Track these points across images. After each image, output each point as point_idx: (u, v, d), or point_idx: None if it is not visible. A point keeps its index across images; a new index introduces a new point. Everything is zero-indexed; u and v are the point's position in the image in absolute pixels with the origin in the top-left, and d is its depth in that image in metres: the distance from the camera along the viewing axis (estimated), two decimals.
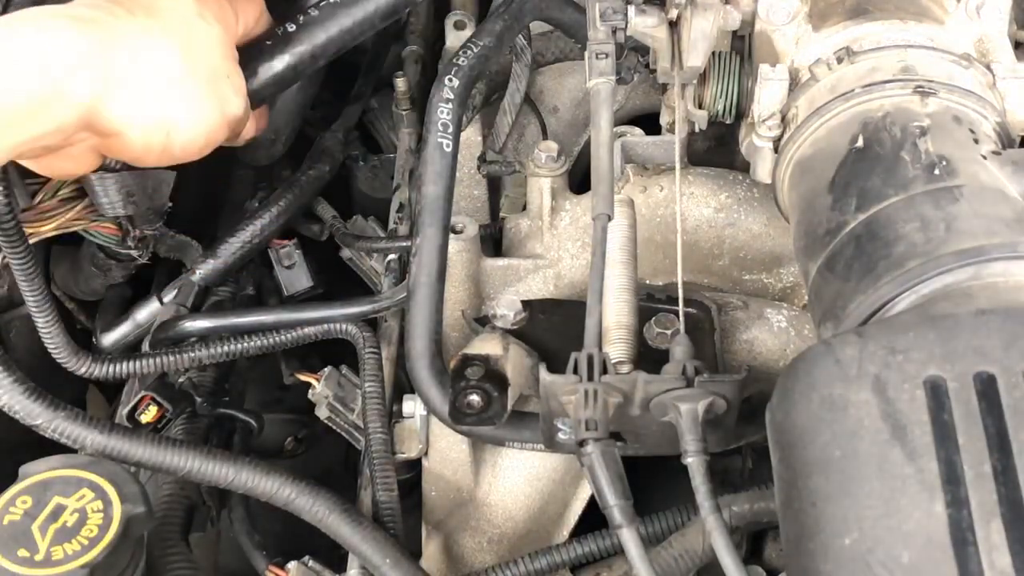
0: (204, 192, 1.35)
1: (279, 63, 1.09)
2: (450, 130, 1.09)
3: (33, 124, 0.91)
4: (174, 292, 1.21)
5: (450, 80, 1.12)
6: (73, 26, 0.93)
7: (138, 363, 1.12)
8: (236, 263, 1.25)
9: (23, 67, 0.90)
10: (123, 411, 1.15)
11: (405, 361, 1.04)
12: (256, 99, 1.09)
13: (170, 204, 1.18)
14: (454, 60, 1.14)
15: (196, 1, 1.02)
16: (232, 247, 1.24)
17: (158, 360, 1.13)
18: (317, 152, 1.35)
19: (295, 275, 1.31)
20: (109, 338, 1.23)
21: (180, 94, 0.98)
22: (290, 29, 1.10)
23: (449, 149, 1.08)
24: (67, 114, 0.92)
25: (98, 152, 1.00)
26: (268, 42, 1.09)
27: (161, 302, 1.21)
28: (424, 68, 1.44)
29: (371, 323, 1.18)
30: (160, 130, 0.98)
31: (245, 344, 1.15)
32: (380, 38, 1.44)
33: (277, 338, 1.16)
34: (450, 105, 1.11)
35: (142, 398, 1.14)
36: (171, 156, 1.01)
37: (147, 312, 1.22)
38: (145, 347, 1.19)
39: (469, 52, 1.15)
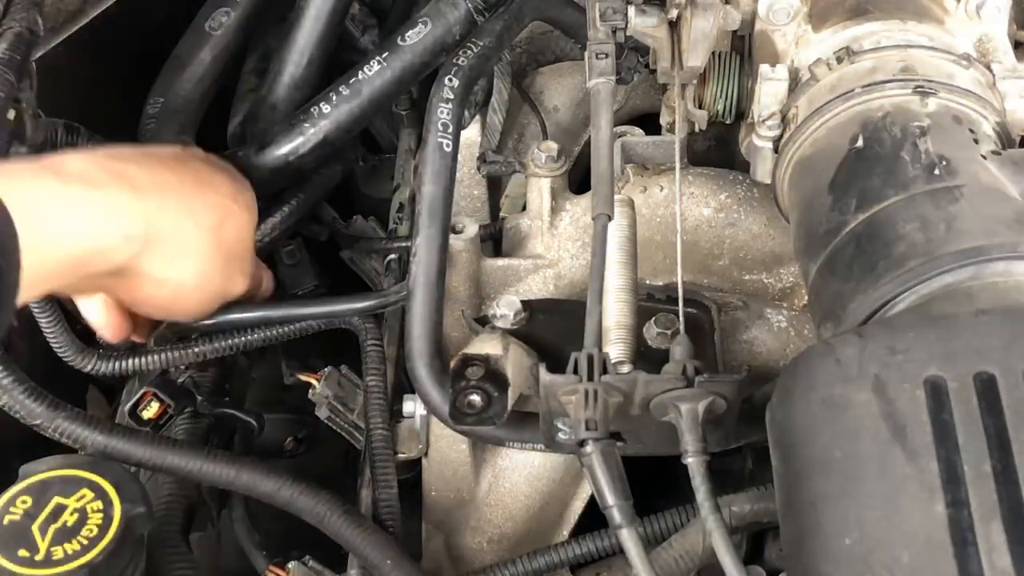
0: None
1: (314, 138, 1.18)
2: (450, 130, 1.09)
3: (67, 276, 0.95)
4: None
5: (450, 80, 1.12)
6: (134, 197, 0.98)
7: (142, 359, 1.12)
8: None
9: (81, 230, 0.93)
10: (125, 408, 1.15)
11: (405, 361, 1.04)
12: (293, 169, 1.19)
13: None
14: (454, 60, 1.14)
15: (235, 185, 1.10)
16: None
17: (161, 356, 1.12)
18: None
19: (299, 273, 1.31)
20: None
21: (200, 264, 1.04)
22: (325, 110, 1.18)
23: (449, 149, 1.09)
24: (99, 270, 0.96)
25: (102, 288, 1.03)
26: (306, 123, 1.18)
27: None
28: None
29: (374, 317, 1.17)
30: (169, 287, 1.03)
31: (248, 337, 1.15)
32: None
33: (280, 330, 1.15)
34: (450, 105, 1.11)
35: (144, 394, 1.14)
36: (166, 314, 1.08)
37: None
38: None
39: (469, 52, 1.15)
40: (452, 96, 1.11)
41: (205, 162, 1.11)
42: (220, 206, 1.06)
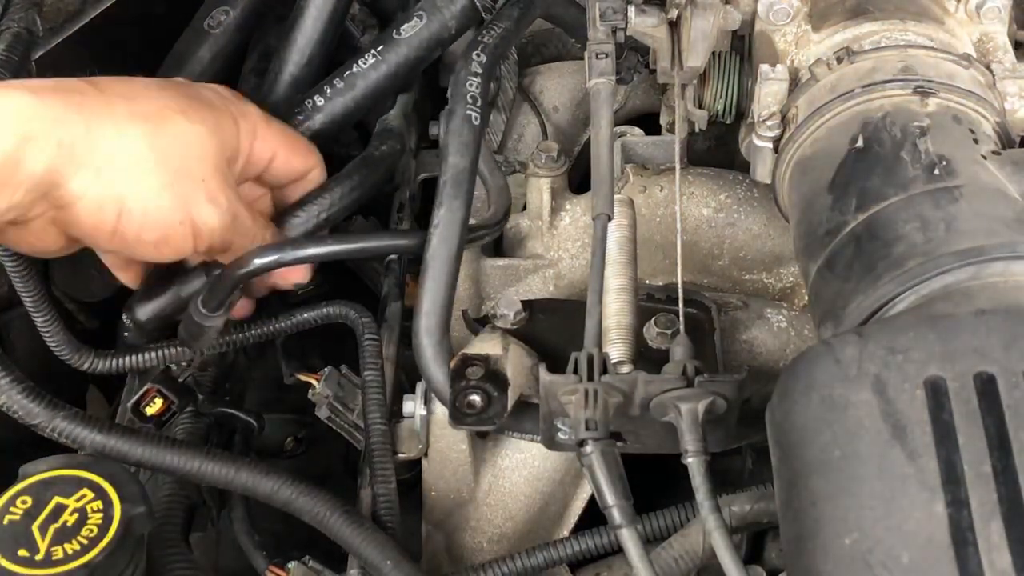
0: None
1: (307, 131, 1.17)
2: (478, 103, 1.09)
3: None
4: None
5: (477, 55, 1.12)
6: (31, 97, 0.91)
7: (140, 356, 1.12)
8: None
9: None
10: (127, 404, 1.15)
11: (412, 338, 1.01)
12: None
13: None
14: (478, 38, 1.14)
15: (186, 101, 1.00)
16: (300, 223, 1.12)
17: (159, 353, 1.12)
18: (382, 132, 1.27)
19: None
20: (144, 311, 1.13)
21: (136, 177, 0.96)
22: (319, 103, 1.17)
23: (477, 122, 1.08)
24: (20, 185, 0.91)
25: (58, 227, 0.98)
26: (299, 116, 1.17)
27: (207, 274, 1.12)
28: (423, 70, 1.44)
29: (371, 310, 1.17)
30: (110, 209, 0.95)
31: (245, 333, 1.15)
32: None
33: (276, 325, 1.15)
34: (478, 79, 1.10)
35: (147, 390, 1.14)
36: (124, 241, 0.98)
37: (196, 284, 1.13)
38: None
39: (493, 32, 1.15)
40: (480, 70, 1.10)
41: (172, 88, 1.02)
42: (155, 114, 0.97)
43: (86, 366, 1.11)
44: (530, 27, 1.33)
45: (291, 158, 1.11)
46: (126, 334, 1.15)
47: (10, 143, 0.90)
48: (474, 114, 1.07)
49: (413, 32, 1.18)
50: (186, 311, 1.08)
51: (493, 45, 1.13)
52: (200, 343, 1.11)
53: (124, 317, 1.14)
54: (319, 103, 1.17)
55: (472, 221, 1.10)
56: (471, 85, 1.09)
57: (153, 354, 1.12)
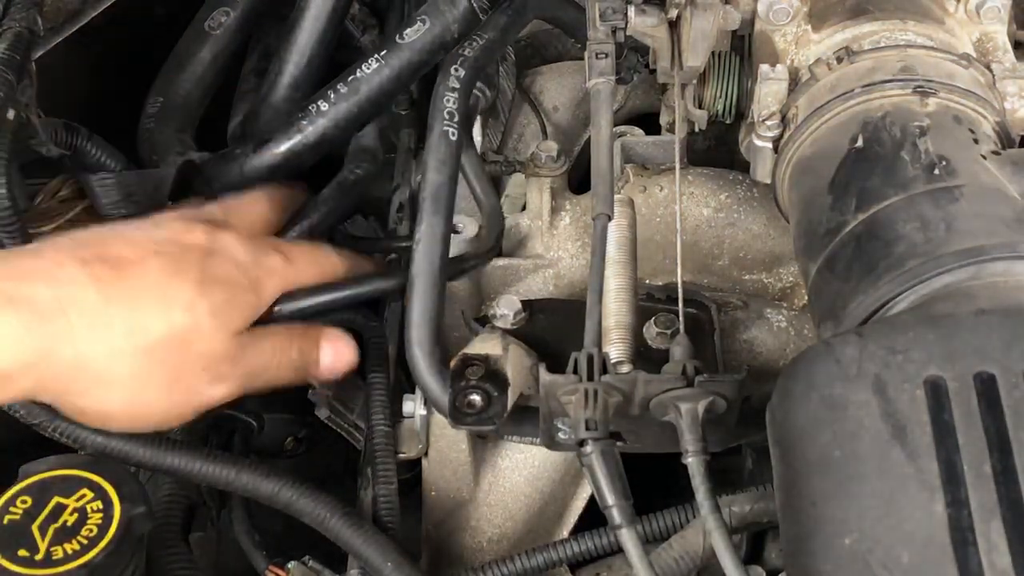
0: None
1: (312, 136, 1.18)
2: (455, 119, 1.09)
3: None
4: None
5: (456, 70, 1.12)
6: (30, 323, 0.89)
7: None
8: None
9: None
10: None
11: (404, 350, 1.02)
12: (291, 167, 1.18)
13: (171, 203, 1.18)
14: (459, 51, 1.14)
15: (197, 289, 0.96)
16: None
17: None
18: (356, 152, 1.29)
19: None
20: None
21: (122, 395, 0.95)
22: (323, 108, 1.17)
23: (454, 138, 1.08)
24: (9, 396, 0.93)
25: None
26: (304, 121, 1.17)
27: None
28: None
29: (377, 314, 1.17)
30: (96, 421, 0.97)
31: None
32: None
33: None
34: (455, 94, 1.10)
35: None
36: (122, 428, 0.99)
37: None
38: None
39: (475, 44, 1.15)
40: (458, 85, 1.11)
41: (178, 255, 0.97)
42: (158, 324, 0.94)
43: None
44: (530, 28, 1.34)
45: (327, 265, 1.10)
46: None
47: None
48: (451, 130, 1.08)
49: (416, 36, 1.18)
50: None
51: (473, 58, 1.14)
52: None
53: None
54: (323, 107, 1.18)
55: (465, 243, 1.13)
56: (448, 101, 1.10)
57: None
